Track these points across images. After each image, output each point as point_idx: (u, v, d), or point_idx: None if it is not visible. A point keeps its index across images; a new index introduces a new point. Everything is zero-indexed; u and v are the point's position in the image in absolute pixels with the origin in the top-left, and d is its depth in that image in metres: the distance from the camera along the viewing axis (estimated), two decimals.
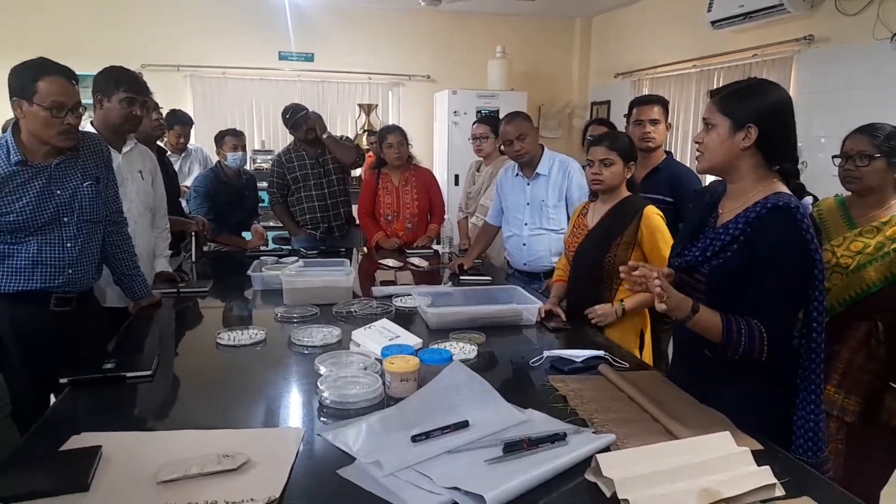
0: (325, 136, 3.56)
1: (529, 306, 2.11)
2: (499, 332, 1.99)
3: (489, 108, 5.64)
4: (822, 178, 2.39)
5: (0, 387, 1.56)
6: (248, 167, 4.14)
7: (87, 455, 1.15)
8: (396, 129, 3.56)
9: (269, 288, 2.46)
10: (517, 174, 2.89)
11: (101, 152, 2.01)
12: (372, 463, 1.15)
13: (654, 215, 2.10)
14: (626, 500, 1.02)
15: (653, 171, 2.66)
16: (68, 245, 1.88)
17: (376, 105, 6.03)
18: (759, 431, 1.28)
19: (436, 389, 1.38)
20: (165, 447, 1.22)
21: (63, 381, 1.51)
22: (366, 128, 5.86)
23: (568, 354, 1.71)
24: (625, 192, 2.19)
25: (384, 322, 1.91)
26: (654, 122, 2.65)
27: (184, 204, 3.41)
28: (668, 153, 2.78)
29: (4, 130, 2.31)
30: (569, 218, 2.73)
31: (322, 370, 1.58)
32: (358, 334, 1.83)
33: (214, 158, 3.76)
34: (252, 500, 1.03)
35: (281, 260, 2.88)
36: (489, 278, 2.78)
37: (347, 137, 3.93)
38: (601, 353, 1.73)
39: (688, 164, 3.34)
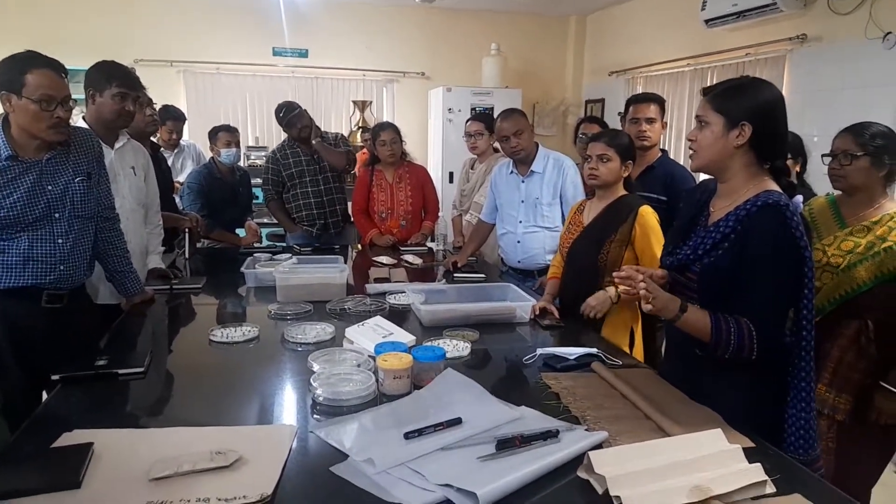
0: (315, 142, 3.55)
1: (523, 304, 2.11)
2: (492, 330, 1.99)
3: (484, 105, 5.64)
4: (814, 177, 2.40)
5: None
6: (241, 164, 4.13)
7: (79, 452, 1.15)
8: (390, 126, 3.55)
9: (263, 285, 2.46)
10: (512, 171, 2.89)
11: (92, 147, 1.99)
12: (365, 460, 1.15)
13: (648, 215, 2.10)
14: (618, 497, 1.03)
15: (647, 169, 2.67)
16: (59, 241, 1.87)
17: (370, 102, 6.02)
18: (751, 429, 1.29)
19: (429, 389, 1.39)
20: (158, 444, 1.21)
21: (55, 377, 1.50)
22: (360, 125, 5.85)
23: (561, 352, 1.71)
24: (621, 191, 2.20)
25: (378, 319, 1.91)
26: (651, 120, 2.66)
27: (177, 200, 3.40)
28: (664, 151, 2.79)
29: None
30: (563, 215, 2.74)
31: (315, 367, 1.58)
32: (351, 331, 1.83)
33: (208, 155, 3.74)
34: (244, 497, 1.03)
35: (275, 257, 2.87)
36: (483, 276, 2.78)
37: (342, 136, 3.91)
38: (594, 350, 1.74)
39: (681, 163, 3.35)
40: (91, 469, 1.11)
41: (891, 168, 1.87)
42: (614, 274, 1.45)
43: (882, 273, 1.84)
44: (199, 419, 1.33)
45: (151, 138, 3.12)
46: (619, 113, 3.04)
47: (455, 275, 2.80)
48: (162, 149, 3.53)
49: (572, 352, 1.71)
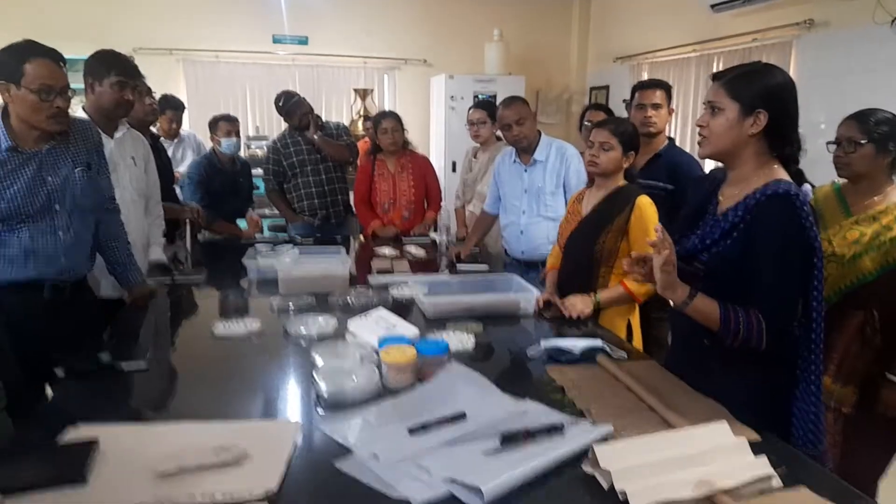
0: (316, 136, 3.52)
1: (527, 295, 2.10)
2: (496, 322, 1.98)
3: (486, 93, 5.59)
4: (820, 164, 2.37)
5: None
6: (242, 153, 4.11)
7: (84, 447, 1.14)
8: (391, 115, 3.53)
9: (265, 277, 2.44)
10: (515, 161, 2.87)
11: (91, 138, 1.98)
12: (369, 455, 1.14)
13: (646, 206, 2.07)
14: (623, 491, 1.02)
15: (654, 157, 2.64)
16: (60, 233, 1.86)
17: (372, 90, 5.97)
18: (758, 422, 1.28)
19: (433, 382, 1.38)
20: (162, 439, 1.21)
21: (58, 371, 1.50)
22: (361, 113, 5.81)
23: (566, 345, 1.70)
24: (620, 181, 2.17)
25: (381, 311, 1.90)
26: (657, 106, 2.62)
27: (178, 191, 3.38)
28: (670, 139, 2.76)
29: None
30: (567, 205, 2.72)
31: (319, 361, 1.57)
32: (354, 324, 1.82)
33: (208, 144, 3.72)
34: (249, 492, 1.03)
35: (276, 248, 2.86)
36: (486, 267, 2.77)
37: (343, 126, 3.88)
38: (599, 343, 1.73)
39: (687, 150, 3.32)
40: (96, 464, 1.11)
41: None
42: (624, 261, 1.42)
43: (888, 262, 1.83)
44: (202, 413, 1.33)
45: (151, 128, 3.10)
46: (625, 100, 3.01)
47: (458, 266, 2.79)
48: (162, 139, 3.51)
49: (577, 344, 1.70)
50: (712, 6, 4.26)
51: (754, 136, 1.39)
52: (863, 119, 1.87)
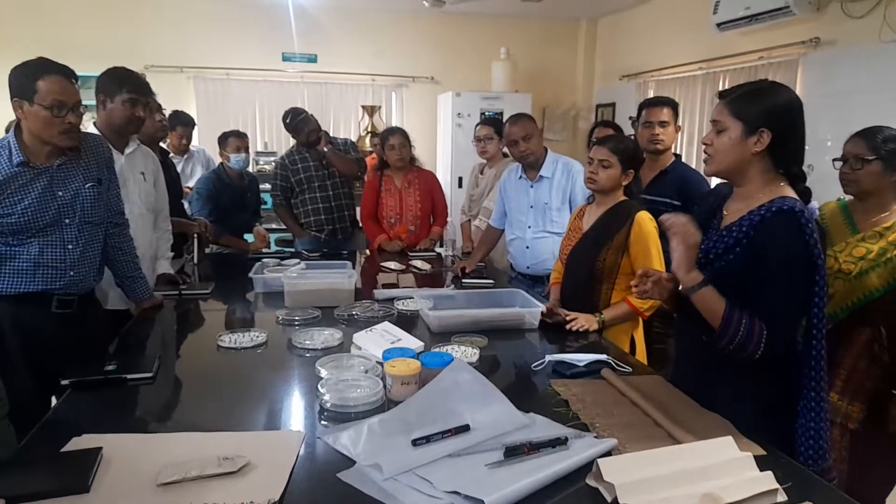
0: (326, 150, 3.56)
1: (532, 310, 2.10)
2: (501, 336, 1.98)
3: (493, 110, 5.64)
4: (827, 182, 2.37)
5: None
6: (250, 169, 4.15)
7: (88, 456, 1.15)
8: (398, 131, 3.56)
9: (271, 290, 2.45)
10: (521, 176, 2.89)
11: (102, 153, 2.01)
12: (372, 466, 1.14)
13: (645, 222, 2.07)
14: None
15: (661, 173, 2.65)
16: (70, 247, 1.88)
17: (379, 107, 6.04)
18: (763, 437, 1.27)
19: (437, 390, 1.38)
20: (166, 449, 1.21)
21: (64, 382, 1.51)
22: (369, 129, 5.87)
23: (570, 359, 1.70)
24: (620, 197, 2.17)
25: (386, 325, 1.90)
26: (664, 123, 2.64)
27: (186, 205, 3.42)
28: (677, 156, 2.77)
29: (7, 131, 2.32)
30: None
31: (323, 373, 1.57)
32: (359, 337, 1.82)
33: (217, 160, 3.76)
34: (252, 502, 1.03)
35: (283, 262, 2.88)
36: (492, 281, 2.77)
37: (352, 142, 3.92)
38: (604, 357, 1.72)
39: (694, 167, 3.33)
40: (100, 474, 1.12)
41: None
42: (632, 283, 1.42)
43: (895, 279, 1.81)
44: (206, 424, 1.33)
45: (161, 144, 3.14)
46: (631, 117, 3.03)
47: (464, 280, 2.79)
48: (171, 154, 3.55)
49: (582, 358, 1.70)
50: (718, 25, 4.29)
51: (758, 155, 1.39)
52: (870, 136, 1.87)
